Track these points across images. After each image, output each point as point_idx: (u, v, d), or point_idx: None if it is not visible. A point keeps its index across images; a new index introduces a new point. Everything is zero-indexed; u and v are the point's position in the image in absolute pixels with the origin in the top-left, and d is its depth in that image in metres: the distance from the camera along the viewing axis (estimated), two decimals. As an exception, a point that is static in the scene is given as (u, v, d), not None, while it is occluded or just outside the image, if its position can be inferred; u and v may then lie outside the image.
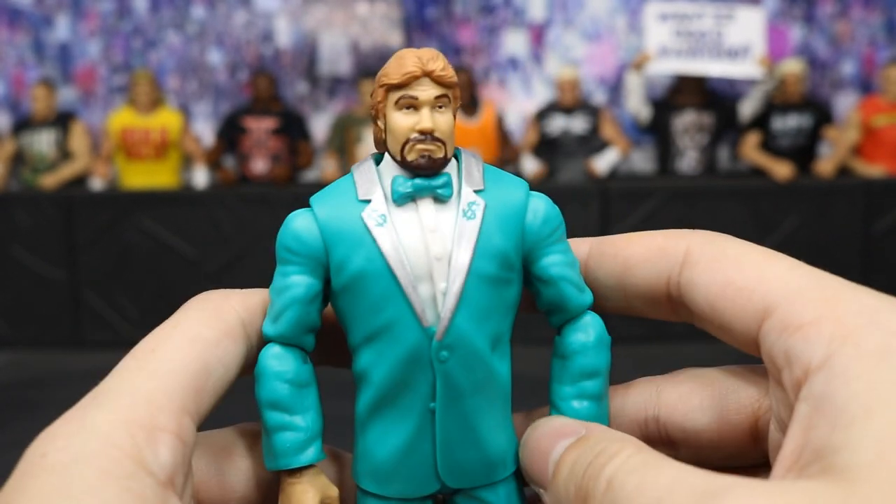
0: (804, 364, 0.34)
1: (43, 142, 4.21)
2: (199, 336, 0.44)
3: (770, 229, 3.83)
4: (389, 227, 0.46)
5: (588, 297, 0.49)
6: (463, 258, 0.45)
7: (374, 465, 0.47)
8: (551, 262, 0.48)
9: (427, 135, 0.46)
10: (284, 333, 0.47)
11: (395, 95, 0.47)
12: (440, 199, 0.47)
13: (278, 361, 0.46)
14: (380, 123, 0.48)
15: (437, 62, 0.46)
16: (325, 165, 4.26)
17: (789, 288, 0.38)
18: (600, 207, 3.89)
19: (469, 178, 0.47)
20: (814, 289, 0.37)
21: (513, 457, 0.49)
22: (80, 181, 4.21)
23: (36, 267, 3.96)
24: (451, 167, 0.48)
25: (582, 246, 0.50)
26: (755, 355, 0.42)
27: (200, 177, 4.20)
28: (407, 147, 0.46)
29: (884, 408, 0.30)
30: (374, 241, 0.45)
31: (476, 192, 0.47)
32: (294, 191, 4.00)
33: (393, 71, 0.47)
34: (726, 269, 0.42)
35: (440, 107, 0.47)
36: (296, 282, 0.47)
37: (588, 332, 0.49)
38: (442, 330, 0.45)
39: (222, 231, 3.94)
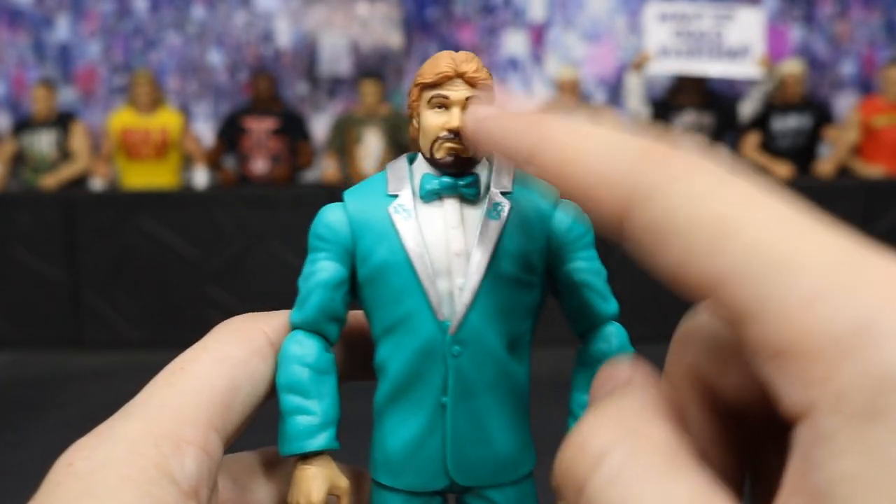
0: (788, 405, 0.26)
1: (43, 142, 4.21)
2: (228, 355, 0.45)
3: (770, 229, 3.83)
4: (414, 221, 0.47)
5: (612, 306, 0.49)
6: (482, 256, 0.46)
7: (385, 456, 0.48)
8: (576, 269, 0.48)
9: (456, 134, 0.47)
10: (308, 317, 0.48)
11: (428, 94, 0.48)
12: (466, 198, 0.48)
13: (299, 346, 0.47)
14: (415, 122, 0.49)
15: (471, 64, 0.48)
16: (326, 166, 4.26)
17: (758, 286, 0.26)
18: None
19: (498, 179, 0.49)
20: (791, 286, 0.26)
21: (526, 459, 0.49)
22: (80, 181, 4.22)
23: (36, 267, 3.96)
24: (482, 168, 0.49)
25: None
26: None
27: (201, 177, 4.20)
28: (436, 145, 0.48)
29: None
30: (397, 234, 0.47)
31: (503, 193, 0.48)
32: (294, 191, 4.00)
33: (427, 70, 0.48)
34: (674, 247, 0.29)
35: None
36: (323, 267, 0.48)
37: (610, 342, 0.49)
38: (456, 324, 0.46)
39: (222, 231, 3.95)
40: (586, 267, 0.49)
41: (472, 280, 0.46)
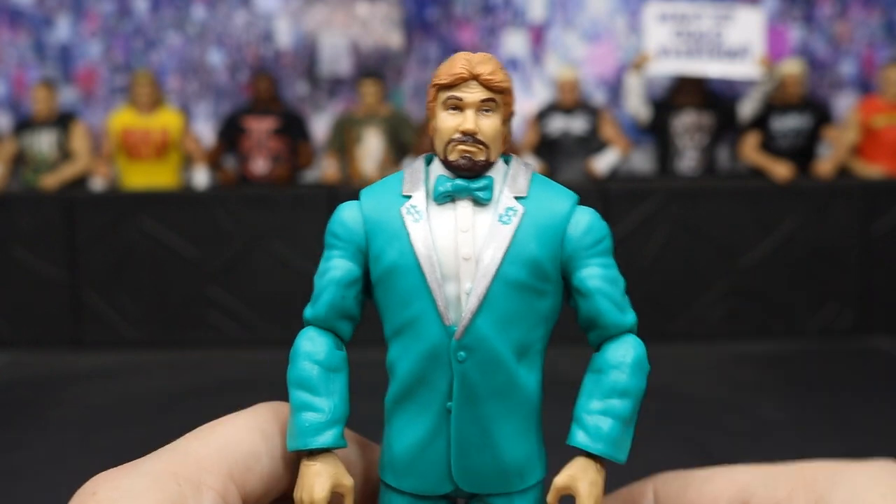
0: None
1: (44, 142, 4.21)
2: (258, 426, 0.47)
3: (770, 230, 3.83)
4: (424, 223, 0.47)
5: (630, 317, 0.48)
6: (491, 261, 0.46)
7: (392, 457, 0.48)
8: (589, 275, 0.48)
9: (469, 136, 0.47)
10: (320, 314, 0.48)
11: (443, 95, 0.48)
12: (479, 202, 0.47)
13: (311, 343, 0.47)
14: (432, 123, 0.49)
15: (487, 66, 0.47)
16: (326, 166, 4.26)
17: (761, 476, 0.43)
18: (600, 208, 3.89)
19: (513, 183, 0.48)
20: (783, 470, 0.42)
21: (534, 469, 0.49)
22: (80, 181, 4.22)
23: (36, 267, 3.96)
24: (498, 172, 0.48)
25: None
26: None
27: (201, 177, 4.20)
28: (449, 147, 0.47)
29: None
30: (407, 235, 0.47)
31: (518, 198, 0.47)
32: (294, 191, 4.00)
33: (444, 71, 0.48)
34: (696, 486, 0.46)
35: (486, 110, 0.47)
36: (336, 265, 0.48)
37: (628, 351, 0.48)
38: (461, 329, 0.46)
39: (222, 231, 3.94)
40: (601, 274, 0.47)
41: (480, 285, 0.45)
